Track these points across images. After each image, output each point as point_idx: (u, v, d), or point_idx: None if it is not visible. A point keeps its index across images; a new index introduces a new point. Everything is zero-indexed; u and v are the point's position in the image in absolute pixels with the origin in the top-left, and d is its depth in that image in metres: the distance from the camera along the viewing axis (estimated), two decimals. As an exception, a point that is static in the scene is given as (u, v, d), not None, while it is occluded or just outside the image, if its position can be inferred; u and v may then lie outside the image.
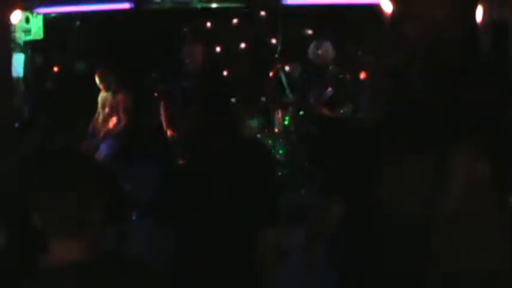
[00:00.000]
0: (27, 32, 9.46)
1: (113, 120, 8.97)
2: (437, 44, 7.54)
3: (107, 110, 9.07)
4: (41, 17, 9.60)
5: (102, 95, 9.14)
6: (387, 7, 8.51)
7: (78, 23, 10.80)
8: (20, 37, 9.43)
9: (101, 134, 9.02)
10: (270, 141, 9.01)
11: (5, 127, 7.19)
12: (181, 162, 7.28)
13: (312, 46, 8.06)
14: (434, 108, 3.79)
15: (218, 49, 10.70)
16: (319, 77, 8.00)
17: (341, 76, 8.02)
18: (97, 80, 9.00)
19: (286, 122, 9.13)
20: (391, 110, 3.76)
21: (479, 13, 7.65)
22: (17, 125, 8.03)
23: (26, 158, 3.89)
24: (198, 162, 3.93)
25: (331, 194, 3.72)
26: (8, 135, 7.06)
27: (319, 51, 7.96)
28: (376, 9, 8.64)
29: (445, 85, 6.54)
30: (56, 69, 10.62)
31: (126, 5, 9.20)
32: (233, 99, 4.26)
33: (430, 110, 3.76)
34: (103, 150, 8.87)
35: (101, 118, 9.14)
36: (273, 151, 8.54)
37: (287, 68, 9.63)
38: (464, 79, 6.82)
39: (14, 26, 9.05)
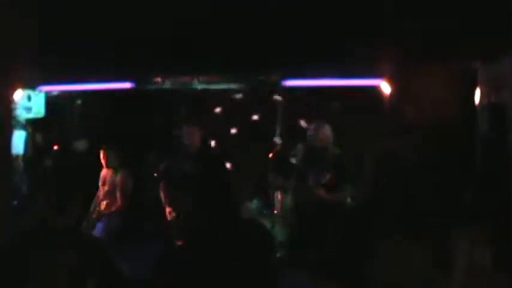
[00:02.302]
0: (29, 109, 9.55)
1: (104, 204, 8.96)
2: (436, 126, 7.59)
3: (106, 187, 9.05)
4: (42, 95, 9.70)
5: (103, 172, 9.14)
6: (386, 89, 8.60)
7: (79, 101, 10.90)
8: (21, 115, 9.50)
9: (94, 216, 8.98)
10: (269, 223, 8.96)
11: (4, 204, 7.17)
12: (179, 242, 7.24)
13: (310, 128, 8.06)
14: (434, 191, 3.77)
15: (217, 130, 10.76)
16: (318, 159, 7.98)
17: (340, 158, 8.00)
18: (101, 156, 9.03)
19: (285, 204, 9.09)
20: (391, 193, 3.74)
21: (477, 96, 7.72)
22: (15, 202, 8.01)
23: (22, 235, 3.86)
24: (196, 244, 3.90)
25: (329, 277, 3.68)
26: (6, 211, 7.04)
27: (318, 134, 7.96)
28: (375, 91, 8.73)
29: (444, 168, 6.54)
30: (56, 147, 10.64)
31: (127, 85, 9.30)
32: (232, 181, 4.25)
33: (431, 192, 3.75)
34: (99, 229, 8.81)
35: (101, 196, 9.12)
36: (272, 233, 8.47)
37: (287, 150, 9.65)
38: (464, 161, 6.84)
39: (16, 103, 9.13)
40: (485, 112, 7.51)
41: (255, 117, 10.84)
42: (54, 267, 2.30)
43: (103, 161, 9.03)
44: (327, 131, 7.97)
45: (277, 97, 10.48)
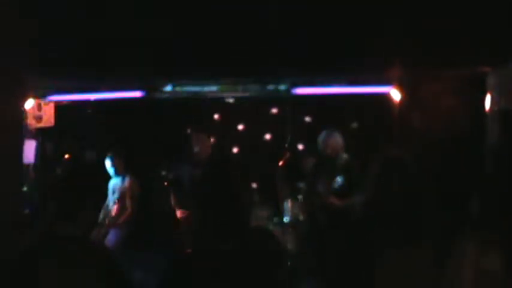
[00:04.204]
0: (39, 119, 9.57)
1: (115, 209, 8.95)
2: (445, 132, 7.57)
3: (116, 195, 9.05)
4: (52, 105, 9.72)
5: (112, 181, 9.14)
6: (396, 96, 8.58)
7: (89, 111, 10.92)
8: (32, 124, 9.52)
9: (107, 224, 8.98)
10: (279, 231, 8.93)
11: (14, 213, 7.18)
12: (188, 251, 7.25)
13: (321, 136, 8.03)
14: (443, 198, 3.76)
15: (227, 138, 10.76)
16: (329, 166, 7.95)
17: (351, 165, 7.96)
18: (106, 165, 9.02)
19: (296, 212, 9.07)
20: (399, 200, 3.73)
21: (487, 102, 7.70)
22: (27, 211, 8.02)
23: (32, 244, 3.86)
24: (205, 252, 3.89)
25: (339, 285, 3.68)
26: (17, 220, 7.05)
27: (329, 141, 7.93)
28: (385, 98, 8.72)
29: (453, 174, 6.51)
30: (66, 156, 10.67)
31: (137, 94, 9.32)
32: (242, 189, 4.25)
33: (439, 200, 3.74)
34: (111, 238, 8.81)
35: (111, 204, 9.12)
36: (282, 241, 8.44)
37: (297, 157, 9.64)
38: (474, 168, 6.80)
39: (26, 113, 9.16)
40: (495, 118, 7.49)
41: (265, 125, 10.84)
42: (64, 275, 2.29)
43: (110, 170, 9.03)
44: (337, 138, 7.95)
45: (287, 105, 10.48)
